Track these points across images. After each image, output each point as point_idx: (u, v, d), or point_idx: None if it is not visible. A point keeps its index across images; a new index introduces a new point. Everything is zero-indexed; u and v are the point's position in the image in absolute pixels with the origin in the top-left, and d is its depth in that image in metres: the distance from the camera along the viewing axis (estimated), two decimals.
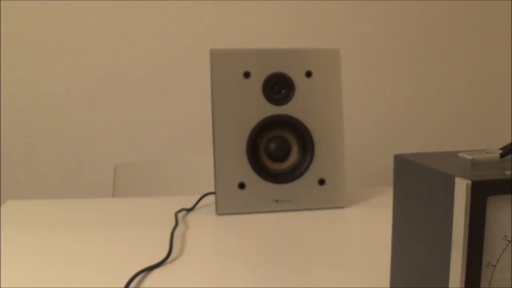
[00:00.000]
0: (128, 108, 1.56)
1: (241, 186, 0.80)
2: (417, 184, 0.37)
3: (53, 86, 1.53)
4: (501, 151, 0.36)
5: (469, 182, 0.30)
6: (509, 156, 0.37)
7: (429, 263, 0.36)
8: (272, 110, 0.81)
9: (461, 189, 0.31)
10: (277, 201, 0.81)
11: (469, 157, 0.35)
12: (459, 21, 1.67)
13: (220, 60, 0.79)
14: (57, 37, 1.51)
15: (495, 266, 0.32)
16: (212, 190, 0.91)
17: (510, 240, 0.32)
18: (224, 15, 1.56)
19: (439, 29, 1.66)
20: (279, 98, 0.81)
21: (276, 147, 0.82)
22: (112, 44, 1.53)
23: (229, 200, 0.80)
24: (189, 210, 0.83)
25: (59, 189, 1.57)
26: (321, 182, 0.82)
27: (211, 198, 0.90)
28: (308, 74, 0.81)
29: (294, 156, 0.83)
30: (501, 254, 0.32)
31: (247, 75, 0.80)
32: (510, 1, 1.68)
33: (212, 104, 0.79)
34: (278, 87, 0.81)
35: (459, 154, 0.37)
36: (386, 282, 0.53)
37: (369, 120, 1.68)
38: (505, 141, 1.74)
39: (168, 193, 1.19)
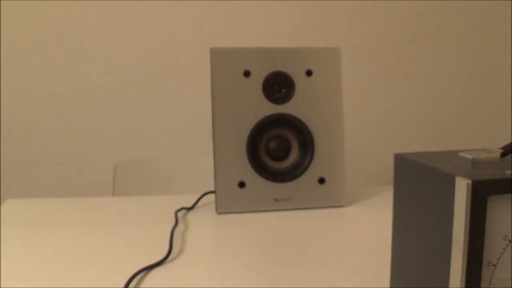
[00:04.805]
0: (128, 106, 1.56)
1: (241, 185, 0.80)
2: (417, 184, 0.37)
3: (53, 86, 1.53)
4: (501, 151, 0.36)
5: (470, 181, 0.30)
6: (509, 156, 0.37)
7: (429, 263, 0.36)
8: (272, 109, 0.81)
9: (461, 188, 0.31)
10: (277, 200, 0.81)
11: (469, 156, 0.35)
12: (459, 21, 1.66)
13: (220, 58, 0.79)
14: (56, 37, 1.50)
15: (495, 265, 0.32)
16: (212, 189, 0.91)
17: (510, 239, 0.32)
18: (224, 14, 1.55)
19: (439, 29, 1.66)
20: (279, 97, 0.81)
21: (276, 146, 0.82)
22: (112, 43, 1.53)
23: (229, 199, 0.80)
24: (189, 209, 0.83)
25: (59, 188, 1.57)
26: (321, 181, 0.82)
27: (211, 197, 0.90)
28: (308, 73, 0.81)
29: (294, 155, 0.83)
30: (501, 254, 0.32)
31: (247, 74, 0.80)
32: (510, 1, 1.68)
33: (212, 103, 0.79)
34: (278, 86, 0.81)
35: (460, 154, 0.37)
36: (386, 282, 0.53)
37: (369, 119, 1.68)
38: (505, 141, 1.74)
39: (168, 191, 1.19)
